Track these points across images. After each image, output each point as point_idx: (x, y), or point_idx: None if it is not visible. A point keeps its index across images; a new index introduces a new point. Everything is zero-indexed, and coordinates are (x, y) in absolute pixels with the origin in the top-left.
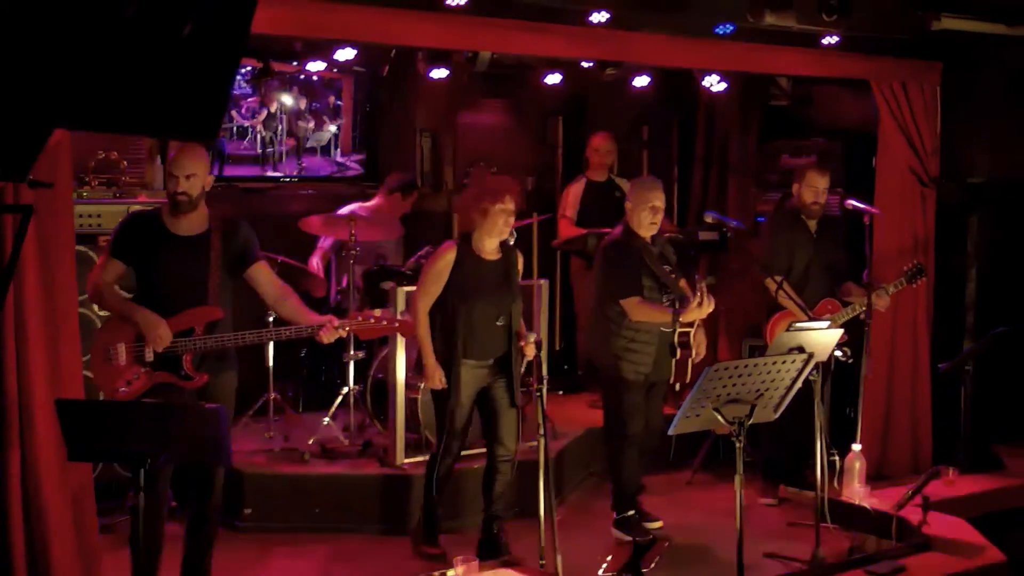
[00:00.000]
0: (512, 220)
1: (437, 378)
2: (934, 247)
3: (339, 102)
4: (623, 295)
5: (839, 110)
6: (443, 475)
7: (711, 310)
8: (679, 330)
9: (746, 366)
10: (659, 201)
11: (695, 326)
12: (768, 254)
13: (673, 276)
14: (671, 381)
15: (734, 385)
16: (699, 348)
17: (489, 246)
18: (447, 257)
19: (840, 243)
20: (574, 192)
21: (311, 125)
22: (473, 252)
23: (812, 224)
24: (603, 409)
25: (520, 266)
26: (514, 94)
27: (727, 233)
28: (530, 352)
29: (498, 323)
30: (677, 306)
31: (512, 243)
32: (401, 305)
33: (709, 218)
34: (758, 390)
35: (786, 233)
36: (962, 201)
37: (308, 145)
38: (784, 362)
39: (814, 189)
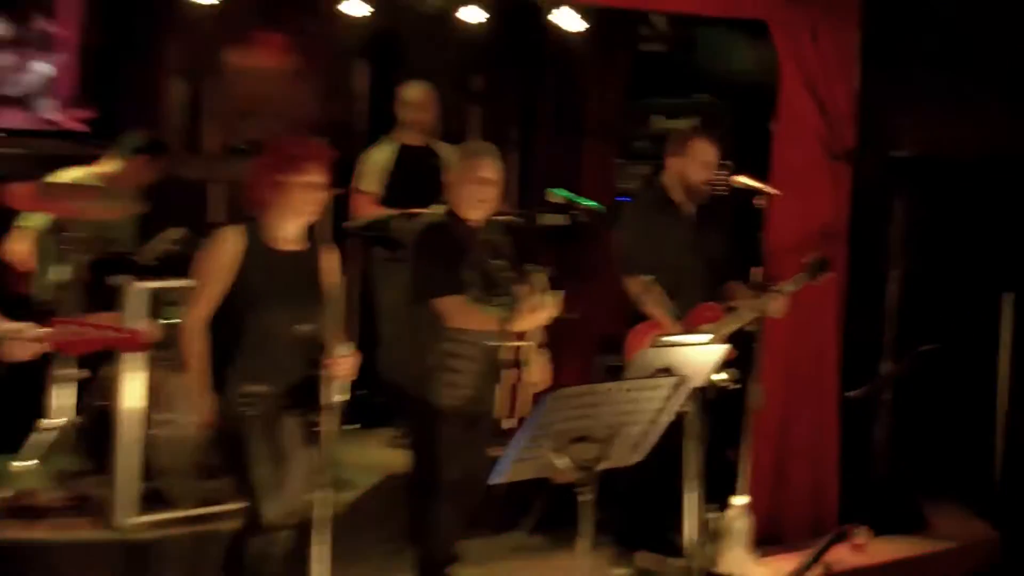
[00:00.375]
0: (319, 198)
1: (207, 414)
2: (847, 239)
3: (55, 29)
4: (439, 294)
5: (729, 60)
6: (255, 559)
7: (551, 317)
8: (510, 344)
9: (598, 393)
10: (490, 172)
11: (530, 338)
12: (632, 246)
13: (507, 272)
14: (498, 414)
15: (582, 418)
16: (536, 369)
17: (286, 233)
18: (230, 246)
19: (726, 233)
20: (378, 159)
21: (9, 63)
22: (263, 241)
23: (690, 208)
24: (410, 449)
25: (336, 264)
26: (302, 27)
27: (579, 217)
28: (342, 372)
29: (298, 337)
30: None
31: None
32: (137, 307)
33: (556, 196)
34: (613, 425)
35: (657, 219)
36: (884, 181)
37: (6, 93)
38: (648, 388)
39: (701, 164)
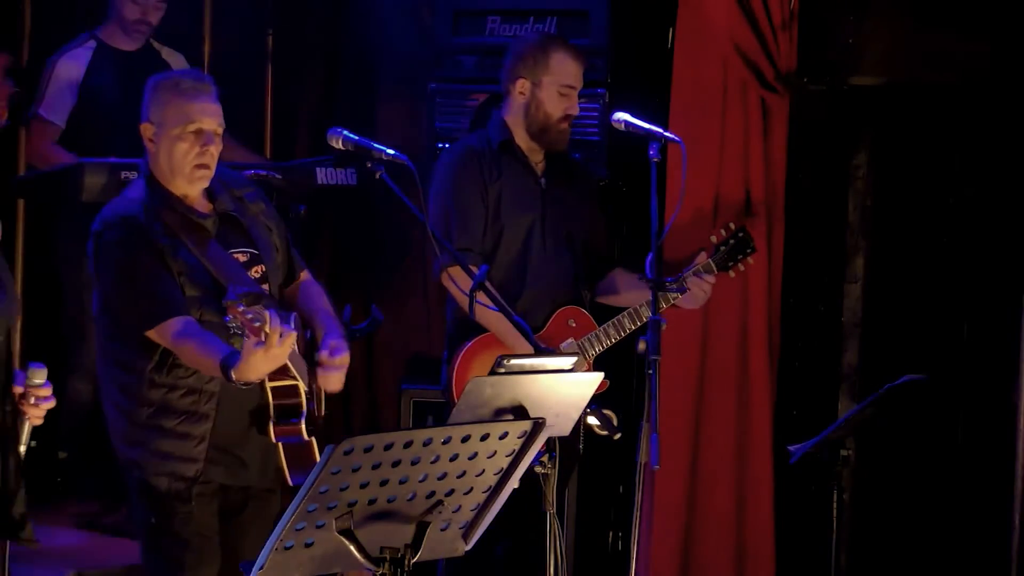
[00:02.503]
0: None
1: None
2: (784, 209)
3: None
4: (144, 322)
5: None
6: None
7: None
8: (275, 384)
9: (408, 444)
10: (209, 119)
11: (295, 369)
12: (453, 218)
13: (261, 267)
14: (287, 474)
15: (383, 483)
16: (331, 378)
17: None
18: None
19: (595, 199)
20: (67, 66)
21: None
22: None
23: (541, 161)
24: (143, 537)
25: None
26: None
27: (376, 171)
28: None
29: None
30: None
31: None
32: None
33: (339, 141)
34: (432, 493)
35: (491, 176)
36: (839, 120)
37: None
38: (485, 438)
39: (560, 91)
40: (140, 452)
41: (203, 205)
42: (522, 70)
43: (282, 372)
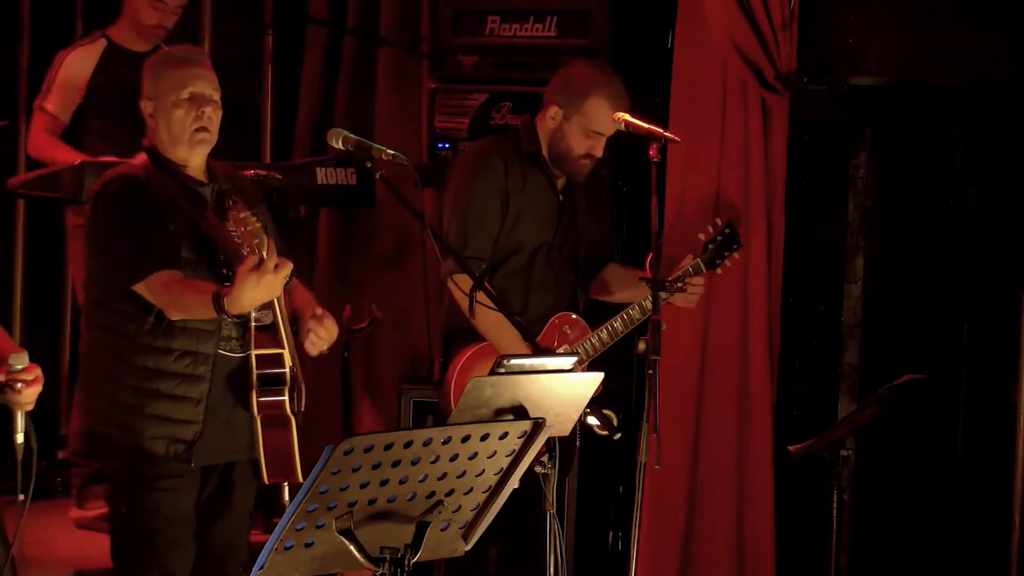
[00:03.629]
0: None
1: None
2: (783, 209)
3: None
4: (134, 273)
5: None
6: None
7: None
8: (265, 352)
9: (409, 444)
10: (205, 85)
11: (295, 351)
12: (465, 225)
13: (249, 246)
14: (265, 475)
15: (383, 483)
16: (319, 337)
17: None
18: None
19: (605, 212)
20: (76, 63)
21: None
22: None
23: (560, 176)
24: (111, 529)
25: None
26: None
27: (376, 172)
28: (24, 399)
29: None
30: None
31: None
32: None
33: (340, 141)
34: (432, 493)
35: (510, 187)
36: (840, 121)
37: None
38: (485, 438)
39: (591, 134)
40: (135, 415)
41: (203, 178)
42: (559, 98)
43: (270, 338)
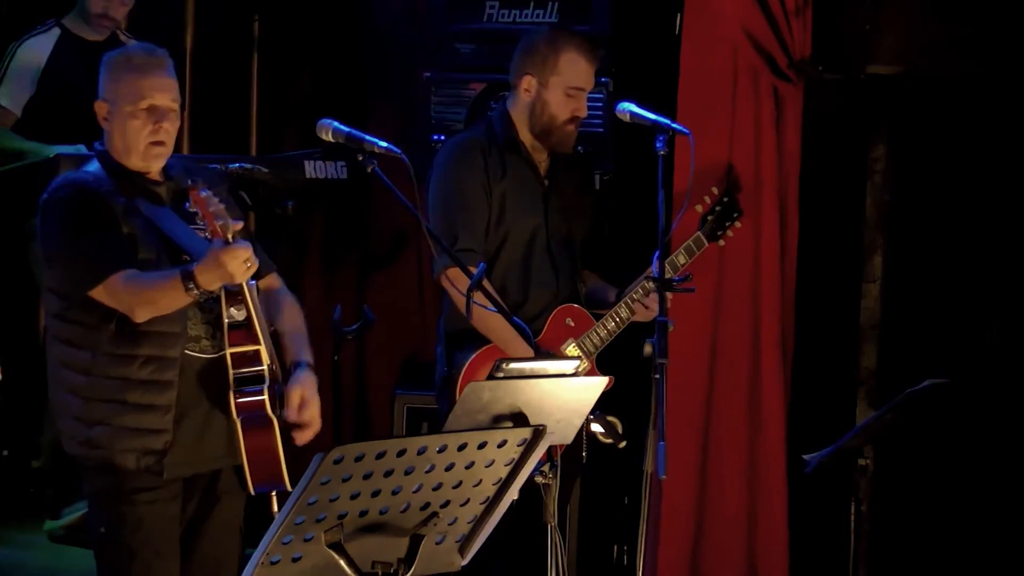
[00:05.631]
0: None
1: None
2: (797, 204)
3: None
4: (89, 278)
5: None
6: None
7: (244, 266)
8: (240, 350)
9: (401, 453)
10: (163, 95)
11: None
12: (452, 218)
13: (212, 228)
14: (250, 482)
15: (374, 494)
16: (305, 411)
17: None
18: None
19: (592, 193)
20: (29, 52)
21: None
22: None
23: (543, 160)
24: (94, 549)
25: None
26: None
27: (368, 166)
28: None
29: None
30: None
31: None
32: None
33: (329, 133)
34: (427, 505)
35: (491, 175)
36: (856, 112)
37: None
38: (483, 446)
39: (571, 92)
40: (103, 430)
41: (159, 178)
42: (530, 67)
43: (245, 335)
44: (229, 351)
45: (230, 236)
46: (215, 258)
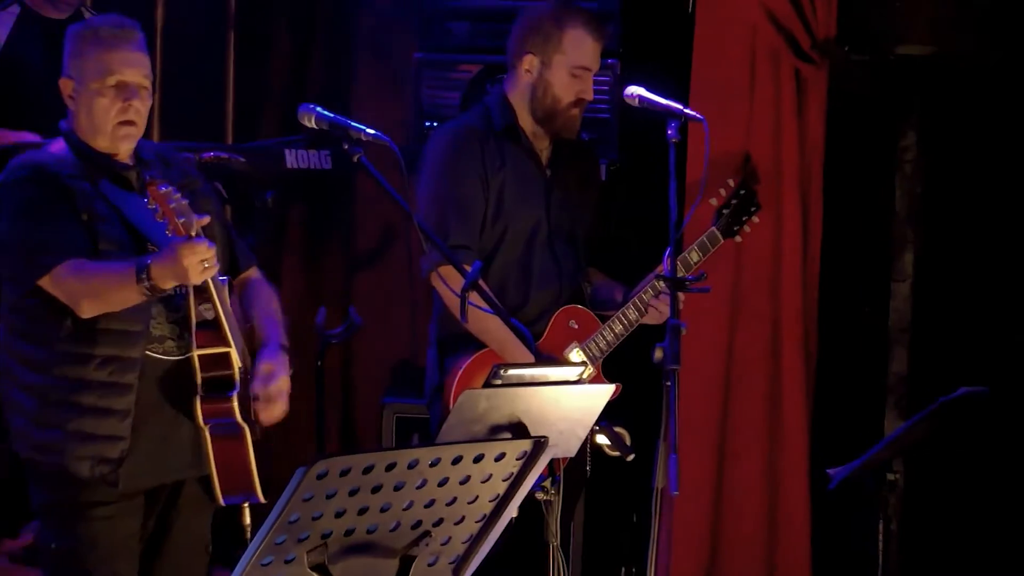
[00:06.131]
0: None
1: None
2: (821, 196)
3: None
4: (36, 266)
5: None
6: None
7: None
8: (209, 351)
9: (391, 466)
10: (134, 71)
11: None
12: (445, 212)
13: (173, 226)
14: (219, 494)
15: (361, 512)
16: (272, 383)
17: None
18: None
19: (597, 184)
20: None
21: None
22: None
23: (544, 148)
24: (42, 567)
25: None
26: None
27: (354, 155)
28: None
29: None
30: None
31: None
32: None
33: (312, 119)
34: (418, 523)
35: (487, 165)
36: (886, 96)
37: None
38: (479, 459)
39: (576, 72)
40: (56, 434)
41: (129, 162)
42: (531, 45)
43: (214, 336)
44: (196, 353)
45: (192, 233)
46: (172, 253)
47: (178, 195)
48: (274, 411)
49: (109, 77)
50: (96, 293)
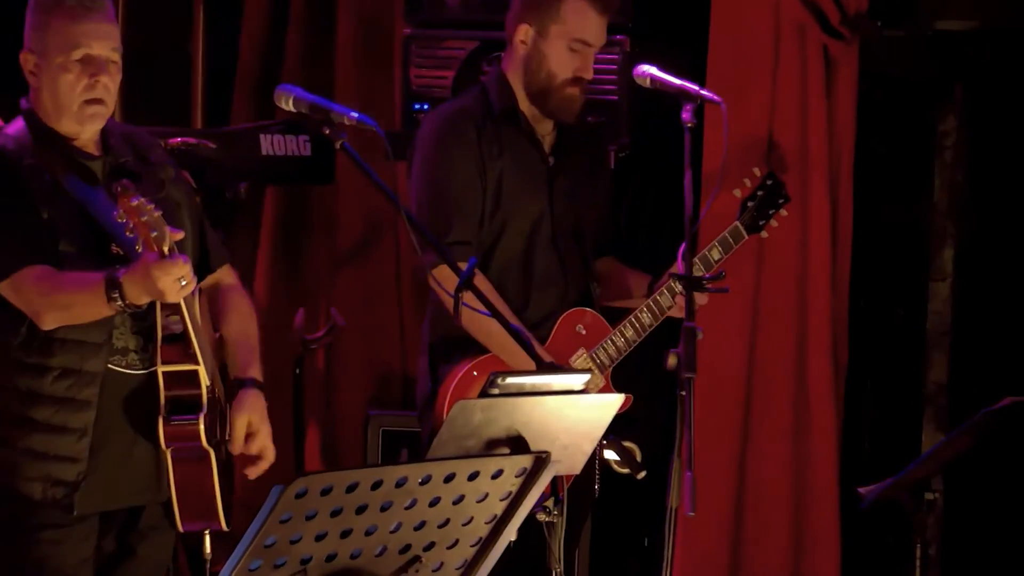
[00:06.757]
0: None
1: None
2: (852, 185)
3: None
4: (2, 267)
5: None
6: None
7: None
8: (175, 368)
9: (377, 485)
10: (103, 43)
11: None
12: (441, 205)
13: (146, 241)
14: (179, 520)
15: (344, 535)
16: (253, 442)
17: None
18: None
19: (606, 173)
20: None
21: None
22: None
23: (547, 133)
24: None
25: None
26: None
27: (336, 141)
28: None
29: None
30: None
31: None
32: None
33: (290, 102)
34: (407, 547)
35: (485, 153)
36: (923, 76)
37: None
38: (474, 476)
39: (574, 46)
40: (6, 452)
41: (94, 149)
42: (526, 13)
43: (181, 352)
44: (161, 369)
45: (166, 249)
46: (144, 270)
47: (151, 206)
48: (260, 468)
49: (75, 51)
50: (62, 305)
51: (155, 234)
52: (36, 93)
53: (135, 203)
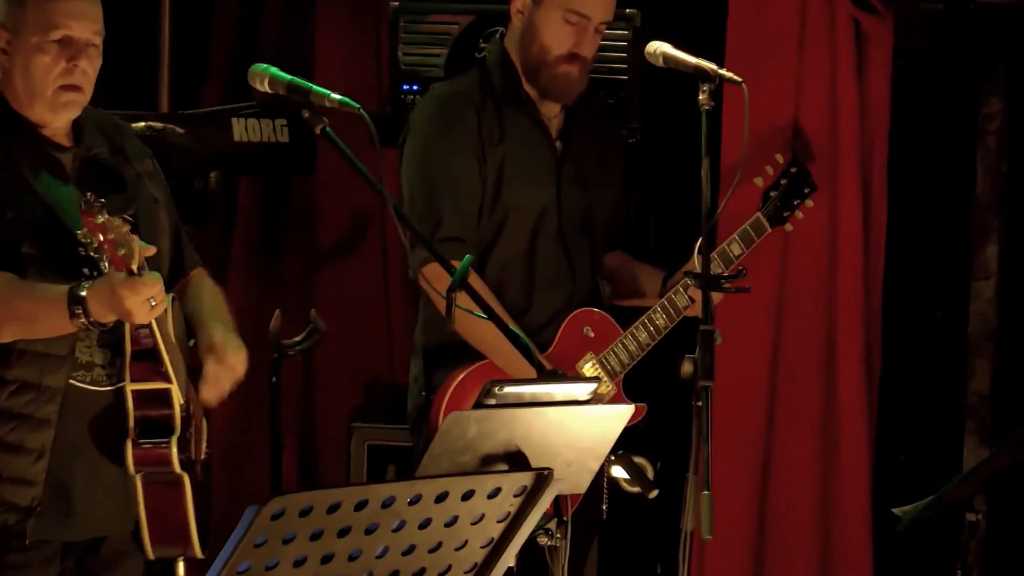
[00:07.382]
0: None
1: None
2: (885, 175)
3: None
4: None
5: None
6: None
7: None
8: (139, 388)
9: (361, 505)
10: (82, 26)
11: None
12: (433, 197)
13: (114, 261)
14: (149, 547)
15: (325, 560)
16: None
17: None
18: None
19: (620, 162)
20: None
21: None
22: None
23: (555, 115)
24: None
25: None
26: None
27: (317, 126)
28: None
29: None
30: None
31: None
32: None
33: (266, 81)
34: (395, 573)
35: (484, 139)
36: (965, 54)
37: None
38: (468, 496)
39: (570, 17)
40: None
41: (65, 140)
42: None
43: (152, 369)
44: (130, 387)
45: (134, 266)
46: (111, 289)
47: (118, 222)
48: (220, 385)
49: (53, 31)
50: (21, 318)
51: (123, 252)
52: (7, 75)
53: (100, 220)
